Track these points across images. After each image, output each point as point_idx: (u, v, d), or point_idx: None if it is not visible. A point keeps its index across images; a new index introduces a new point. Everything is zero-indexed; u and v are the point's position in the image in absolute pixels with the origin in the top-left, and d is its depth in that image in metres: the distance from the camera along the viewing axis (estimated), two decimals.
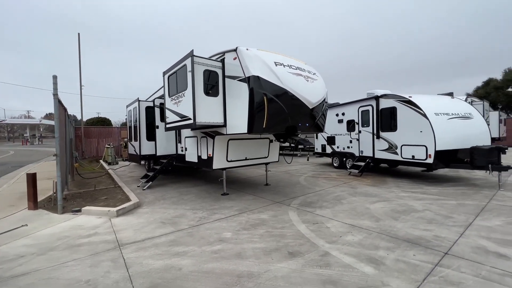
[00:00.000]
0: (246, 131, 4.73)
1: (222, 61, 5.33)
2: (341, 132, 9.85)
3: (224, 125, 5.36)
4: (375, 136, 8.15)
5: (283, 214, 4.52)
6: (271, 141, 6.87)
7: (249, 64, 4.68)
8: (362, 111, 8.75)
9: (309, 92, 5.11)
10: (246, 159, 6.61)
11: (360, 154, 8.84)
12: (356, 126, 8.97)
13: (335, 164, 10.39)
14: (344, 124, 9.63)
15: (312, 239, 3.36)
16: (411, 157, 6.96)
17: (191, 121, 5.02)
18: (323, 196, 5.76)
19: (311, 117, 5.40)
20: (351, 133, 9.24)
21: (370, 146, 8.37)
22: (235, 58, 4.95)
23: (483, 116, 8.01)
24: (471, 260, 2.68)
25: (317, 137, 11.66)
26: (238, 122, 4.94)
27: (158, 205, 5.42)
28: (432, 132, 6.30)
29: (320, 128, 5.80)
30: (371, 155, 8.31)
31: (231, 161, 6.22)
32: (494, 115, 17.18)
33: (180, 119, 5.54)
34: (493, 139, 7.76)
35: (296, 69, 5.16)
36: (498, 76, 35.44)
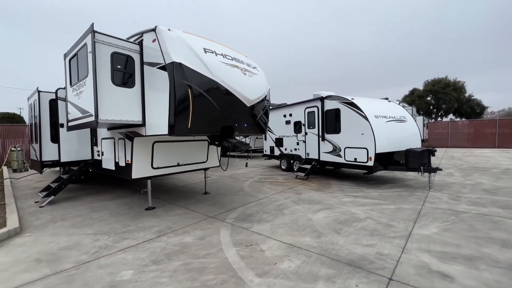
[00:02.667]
0: (167, 132, 3.76)
1: (140, 43, 4.25)
2: (289, 134, 9.55)
3: (143, 124, 4.28)
4: (320, 138, 7.99)
5: (213, 233, 3.69)
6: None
7: (170, 48, 3.73)
8: (308, 113, 8.54)
9: (247, 88, 4.40)
10: (178, 165, 5.60)
11: (307, 157, 8.62)
12: (303, 127, 8.74)
13: (283, 167, 10.06)
14: (292, 125, 9.35)
15: (239, 272, 2.61)
16: (353, 160, 6.91)
17: (92, 119, 3.81)
18: (265, 205, 5.14)
19: (251, 116, 4.71)
20: (298, 134, 8.98)
21: (316, 148, 8.19)
22: (154, 40, 3.94)
23: None
24: (416, 287, 2.27)
25: (265, 139, 11.22)
26: (160, 120, 3.93)
27: (49, 230, 4.03)
28: (372, 134, 6.29)
29: (262, 129, 5.17)
30: (317, 158, 8.13)
31: (158, 168, 5.14)
32: (420, 120, 19.51)
33: (82, 115, 4.24)
34: (421, 141, 8.38)
35: (232, 59, 4.40)
36: (420, 86, 41.38)
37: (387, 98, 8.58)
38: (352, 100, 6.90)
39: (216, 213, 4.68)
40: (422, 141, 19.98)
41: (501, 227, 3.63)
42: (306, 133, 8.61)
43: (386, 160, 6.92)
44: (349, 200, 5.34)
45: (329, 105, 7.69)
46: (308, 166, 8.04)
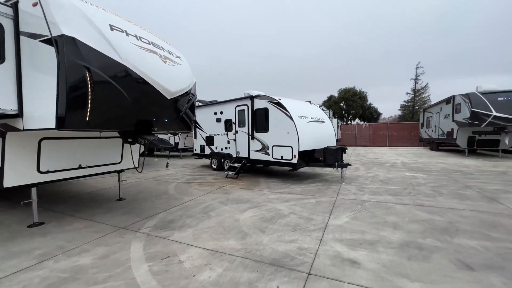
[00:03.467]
0: (54, 126, 2.91)
1: (15, 5, 3.18)
2: (220, 132, 9.29)
3: (20, 115, 3.22)
4: (250, 137, 8.05)
5: (122, 249, 3.08)
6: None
7: (59, 17, 2.89)
8: (238, 111, 8.48)
9: (168, 78, 3.89)
10: (81, 167, 4.56)
11: (237, 155, 8.57)
12: (233, 126, 8.63)
13: (213, 166, 9.72)
14: (222, 123, 9.12)
15: None
16: (280, 158, 7.22)
17: None
18: (190, 208, 4.73)
19: (174, 110, 4.22)
20: (229, 133, 8.83)
21: (246, 147, 8.21)
22: (35, 4, 2.99)
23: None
24: (331, 278, 2.39)
25: (195, 137, 10.63)
26: (45, 111, 3.02)
27: None
28: (296, 133, 6.70)
29: (187, 125, 4.72)
30: (247, 156, 8.17)
31: (48, 172, 4.03)
32: (335, 122, 22.51)
33: None
34: (336, 140, 9.56)
35: (150, 44, 3.81)
36: (336, 93, 48.20)
37: (309, 101, 9.38)
38: (279, 100, 7.20)
39: (130, 223, 3.99)
40: (337, 140, 23.06)
41: (392, 212, 4.35)
42: (236, 132, 8.54)
43: (308, 157, 7.50)
44: (275, 197, 5.49)
45: (259, 104, 7.82)
46: (239, 165, 7.99)
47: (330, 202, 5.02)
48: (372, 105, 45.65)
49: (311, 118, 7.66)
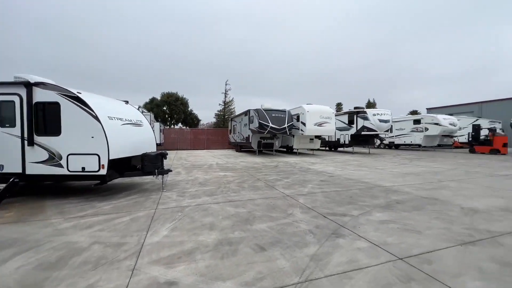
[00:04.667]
0: None
1: None
2: None
3: None
4: (26, 142, 5.47)
5: None
6: None
7: None
8: (1, 102, 5.50)
9: None
10: None
11: (0, 171, 5.51)
12: None
13: None
14: None
15: None
16: (81, 170, 5.51)
17: None
18: None
19: None
20: None
21: (17, 157, 5.47)
22: None
23: (151, 125, 8.98)
24: None
25: None
26: None
27: None
28: (105, 138, 5.42)
29: None
30: (21, 171, 5.48)
31: None
32: (157, 126, 21.59)
33: None
34: (157, 145, 9.02)
35: None
36: (159, 96, 46.75)
37: (127, 101, 8.11)
38: (79, 95, 5.50)
39: None
40: (159, 145, 22.23)
41: (209, 213, 4.67)
42: None
43: (123, 166, 6.39)
44: (70, 226, 4.03)
45: (42, 95, 5.52)
46: (2, 186, 5.14)
47: (149, 216, 4.49)
48: (193, 112, 49.23)
49: (125, 120, 6.59)
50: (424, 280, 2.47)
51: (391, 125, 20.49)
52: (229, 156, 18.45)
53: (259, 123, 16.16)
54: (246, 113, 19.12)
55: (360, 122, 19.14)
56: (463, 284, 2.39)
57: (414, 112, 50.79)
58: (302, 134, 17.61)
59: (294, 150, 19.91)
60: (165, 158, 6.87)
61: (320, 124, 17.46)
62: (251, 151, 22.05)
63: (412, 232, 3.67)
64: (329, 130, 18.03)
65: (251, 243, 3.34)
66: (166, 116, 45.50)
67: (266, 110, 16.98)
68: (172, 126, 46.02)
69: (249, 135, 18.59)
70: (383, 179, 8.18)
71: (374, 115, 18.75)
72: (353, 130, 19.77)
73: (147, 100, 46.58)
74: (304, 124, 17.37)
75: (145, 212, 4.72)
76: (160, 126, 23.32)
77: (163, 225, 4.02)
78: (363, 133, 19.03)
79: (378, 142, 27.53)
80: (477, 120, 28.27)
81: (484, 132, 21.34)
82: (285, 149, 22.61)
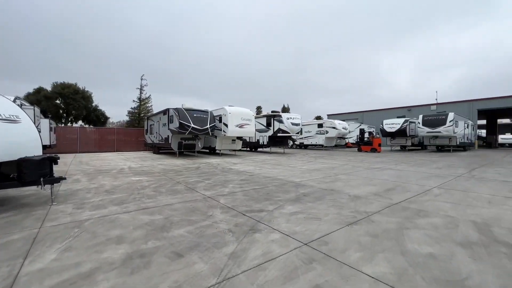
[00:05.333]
0: None
1: None
2: None
3: None
4: None
5: None
6: None
7: None
8: None
9: None
10: None
11: None
12: None
13: None
14: None
15: None
16: None
17: None
18: None
19: None
20: None
21: None
22: None
23: (34, 123, 7.08)
24: None
25: None
26: None
27: None
28: None
29: None
30: None
31: None
32: (45, 123, 17.26)
33: None
34: (44, 147, 7.19)
35: None
36: (49, 87, 37.38)
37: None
38: None
39: None
40: (48, 147, 17.95)
41: (117, 224, 4.08)
42: None
43: None
44: None
45: None
46: None
47: (28, 239, 3.53)
48: (98, 108, 42.06)
49: None
50: (322, 259, 2.93)
51: (301, 128, 23.43)
52: (145, 158, 16.69)
53: (180, 123, 15.35)
54: (165, 112, 17.82)
55: (276, 125, 21.04)
56: (348, 257, 2.98)
57: (318, 117, 59.92)
58: (224, 135, 17.82)
59: (217, 151, 19.93)
60: (56, 163, 5.57)
61: (241, 126, 18.12)
62: (171, 153, 20.66)
63: (315, 219, 4.31)
64: (250, 132, 18.98)
65: (167, 251, 3.12)
66: (61, 111, 37.04)
67: (187, 109, 16.30)
68: (69, 124, 37.88)
69: (168, 136, 17.38)
70: (294, 175, 9.25)
71: (288, 118, 21.00)
72: (270, 132, 21.51)
73: (31, 91, 36.59)
74: (226, 125, 17.64)
75: (23, 234, 3.68)
76: (50, 124, 18.66)
77: (50, 247, 3.24)
78: (279, 134, 20.98)
79: (291, 143, 30.99)
80: (360, 125, 35.89)
81: (366, 135, 27.34)
82: (207, 150, 22.33)
